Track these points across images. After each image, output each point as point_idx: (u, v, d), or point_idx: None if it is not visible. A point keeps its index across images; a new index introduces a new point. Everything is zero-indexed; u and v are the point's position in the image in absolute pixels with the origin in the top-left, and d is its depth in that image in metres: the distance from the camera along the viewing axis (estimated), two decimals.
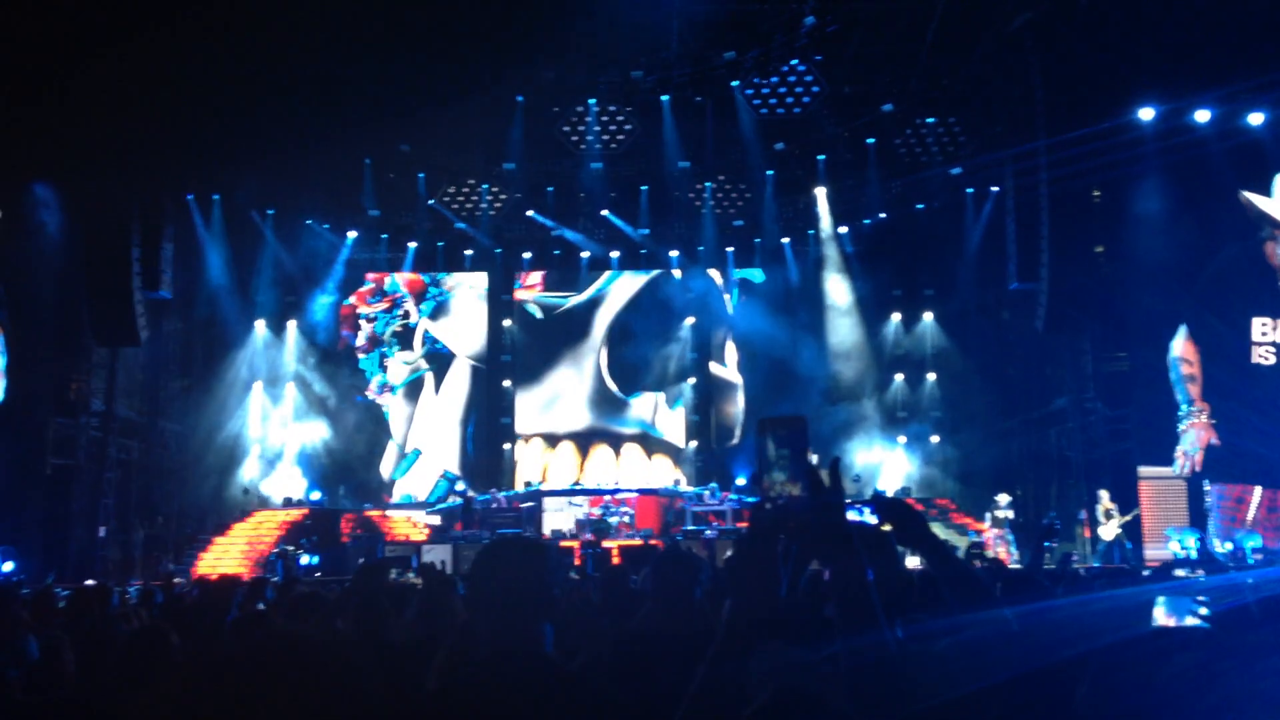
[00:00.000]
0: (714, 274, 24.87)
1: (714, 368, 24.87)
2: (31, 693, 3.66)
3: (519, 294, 25.28)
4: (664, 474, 23.95)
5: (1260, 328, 17.75)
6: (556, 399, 24.75)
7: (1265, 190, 17.75)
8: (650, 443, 24.57)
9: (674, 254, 24.40)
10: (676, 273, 24.71)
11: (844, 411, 23.15)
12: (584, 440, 24.59)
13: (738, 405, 24.69)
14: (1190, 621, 3.39)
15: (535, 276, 25.33)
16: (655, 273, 24.99)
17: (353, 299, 24.95)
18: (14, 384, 17.53)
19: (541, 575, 2.45)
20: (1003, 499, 18.92)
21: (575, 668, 2.82)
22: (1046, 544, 16.63)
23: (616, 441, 24.50)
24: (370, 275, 25.03)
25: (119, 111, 15.88)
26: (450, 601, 4.40)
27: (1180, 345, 18.33)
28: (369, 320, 25.05)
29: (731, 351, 24.88)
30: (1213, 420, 17.91)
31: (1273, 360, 17.60)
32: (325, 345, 24.31)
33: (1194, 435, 18.10)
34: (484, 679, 2.35)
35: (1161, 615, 3.50)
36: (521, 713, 2.22)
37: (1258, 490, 17.36)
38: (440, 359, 25.18)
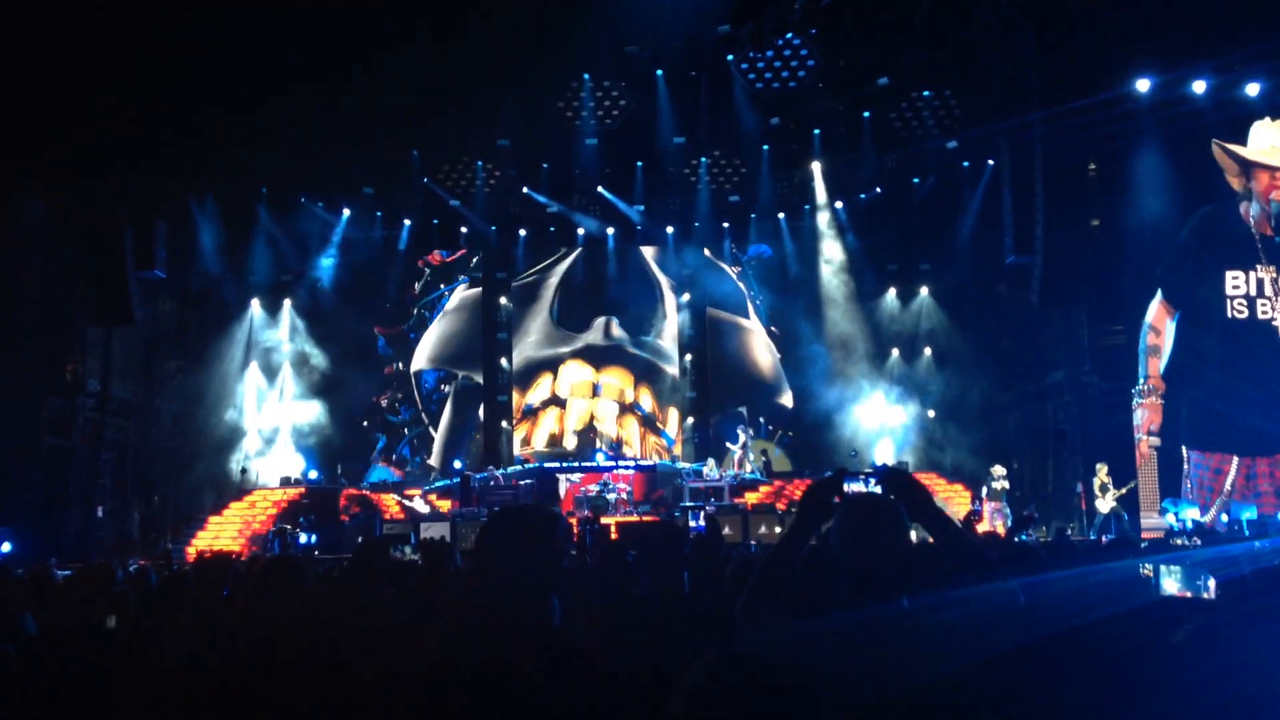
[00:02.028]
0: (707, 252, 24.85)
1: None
2: (29, 668, 3.67)
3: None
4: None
5: (1232, 281, 17.98)
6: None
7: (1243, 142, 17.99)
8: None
9: (669, 230, 24.32)
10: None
11: (840, 385, 23.15)
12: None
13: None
14: (1189, 592, 3.39)
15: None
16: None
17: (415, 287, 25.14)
18: (8, 365, 17.48)
19: (551, 547, 2.42)
20: (998, 470, 18.94)
21: (575, 636, 2.82)
22: (1023, 536, 16.69)
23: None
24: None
25: (112, 100, 15.86)
26: (446, 573, 4.39)
27: (1154, 310, 18.50)
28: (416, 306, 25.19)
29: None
30: (1162, 401, 18.09)
31: (1245, 314, 17.79)
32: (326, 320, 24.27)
33: (1141, 416, 18.28)
34: (492, 649, 2.34)
35: (1162, 586, 3.50)
36: (530, 683, 2.21)
37: (1235, 459, 17.50)
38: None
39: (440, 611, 3.77)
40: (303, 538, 18.12)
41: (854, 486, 2.86)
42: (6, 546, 15.42)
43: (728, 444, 22.66)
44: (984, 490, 18.94)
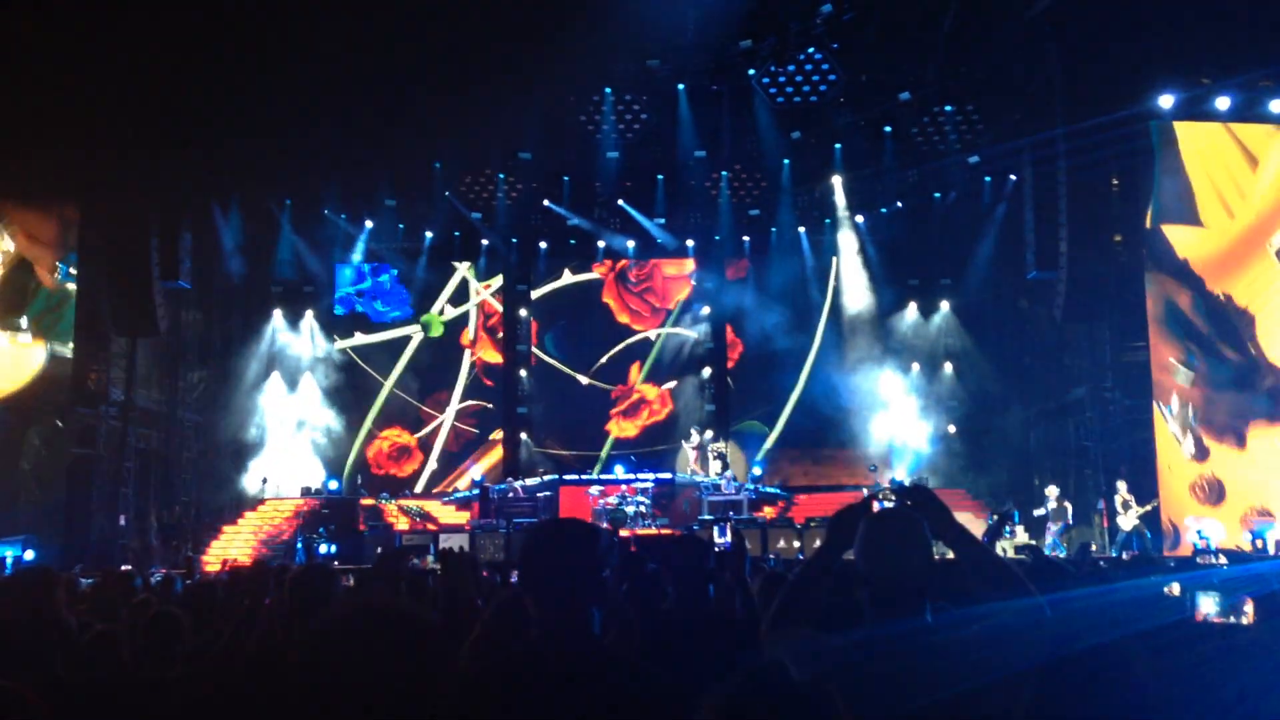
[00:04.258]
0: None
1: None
2: (73, 671, 3.72)
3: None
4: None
5: None
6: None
7: None
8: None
9: (690, 243, 24.35)
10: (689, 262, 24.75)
11: (859, 399, 23.10)
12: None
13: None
14: (1217, 610, 3.38)
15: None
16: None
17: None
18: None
19: (593, 559, 2.46)
20: (1053, 490, 18.33)
21: (610, 645, 2.85)
22: (1008, 531, 16.58)
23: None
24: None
25: (136, 114, 16.02)
26: (469, 583, 4.41)
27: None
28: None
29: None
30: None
31: None
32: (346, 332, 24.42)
33: None
34: (534, 658, 2.38)
35: (1190, 604, 3.49)
36: (571, 691, 2.24)
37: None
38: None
39: (464, 620, 3.81)
40: (323, 548, 18.19)
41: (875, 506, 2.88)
42: (30, 554, 15.55)
43: (682, 442, 22.74)
44: (1043, 512, 18.23)
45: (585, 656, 2.36)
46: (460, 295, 25.31)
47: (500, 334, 25.25)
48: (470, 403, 24.86)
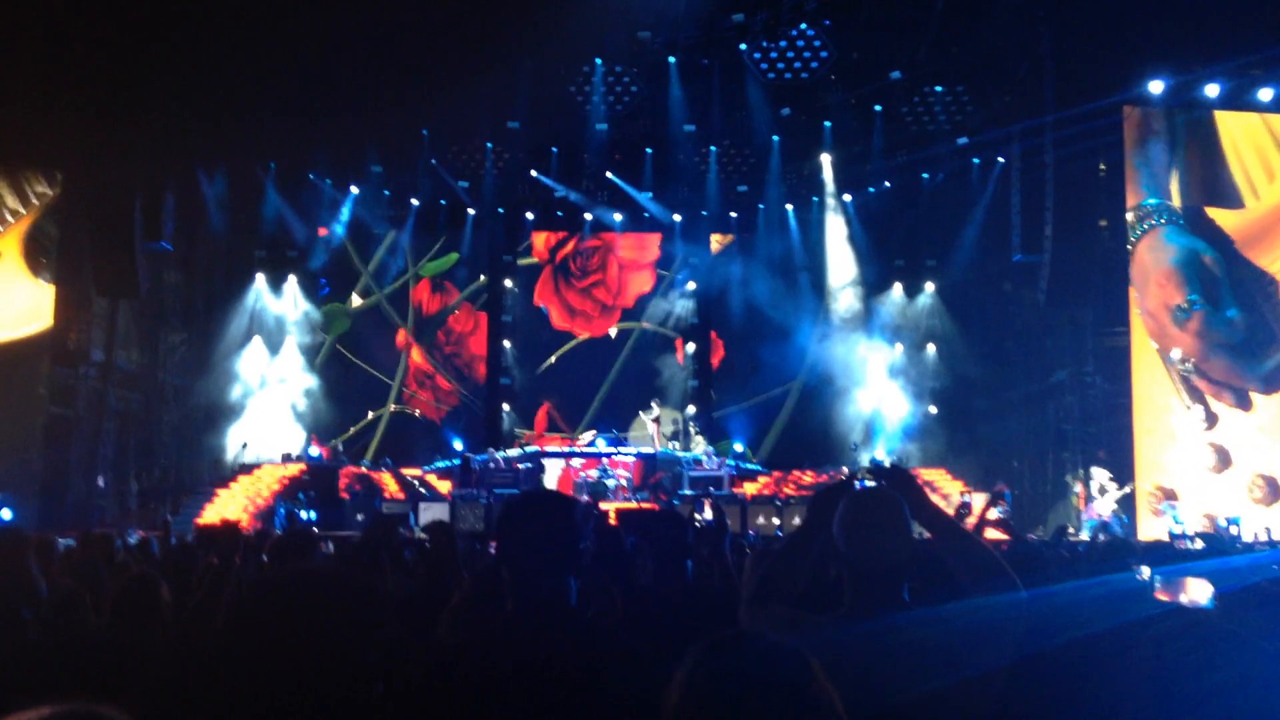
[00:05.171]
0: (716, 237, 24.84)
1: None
2: (45, 632, 3.71)
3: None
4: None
5: None
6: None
7: None
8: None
9: (677, 217, 24.29)
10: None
11: (841, 378, 23.18)
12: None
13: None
14: (1196, 602, 3.41)
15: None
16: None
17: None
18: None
19: (570, 530, 2.48)
20: (1102, 473, 17.83)
21: (590, 618, 2.86)
22: (1001, 510, 16.62)
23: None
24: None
25: (121, 79, 15.88)
26: (454, 555, 4.43)
27: None
28: None
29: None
30: None
31: None
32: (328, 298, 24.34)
33: None
34: (512, 629, 2.39)
35: (1166, 595, 3.52)
36: (549, 662, 2.25)
37: None
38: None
39: (448, 591, 3.82)
40: (303, 514, 18.17)
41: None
42: (7, 514, 15.48)
43: (640, 412, 22.83)
44: (1094, 492, 17.72)
45: (561, 627, 2.38)
46: (383, 272, 24.91)
47: (438, 337, 24.93)
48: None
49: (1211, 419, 18.01)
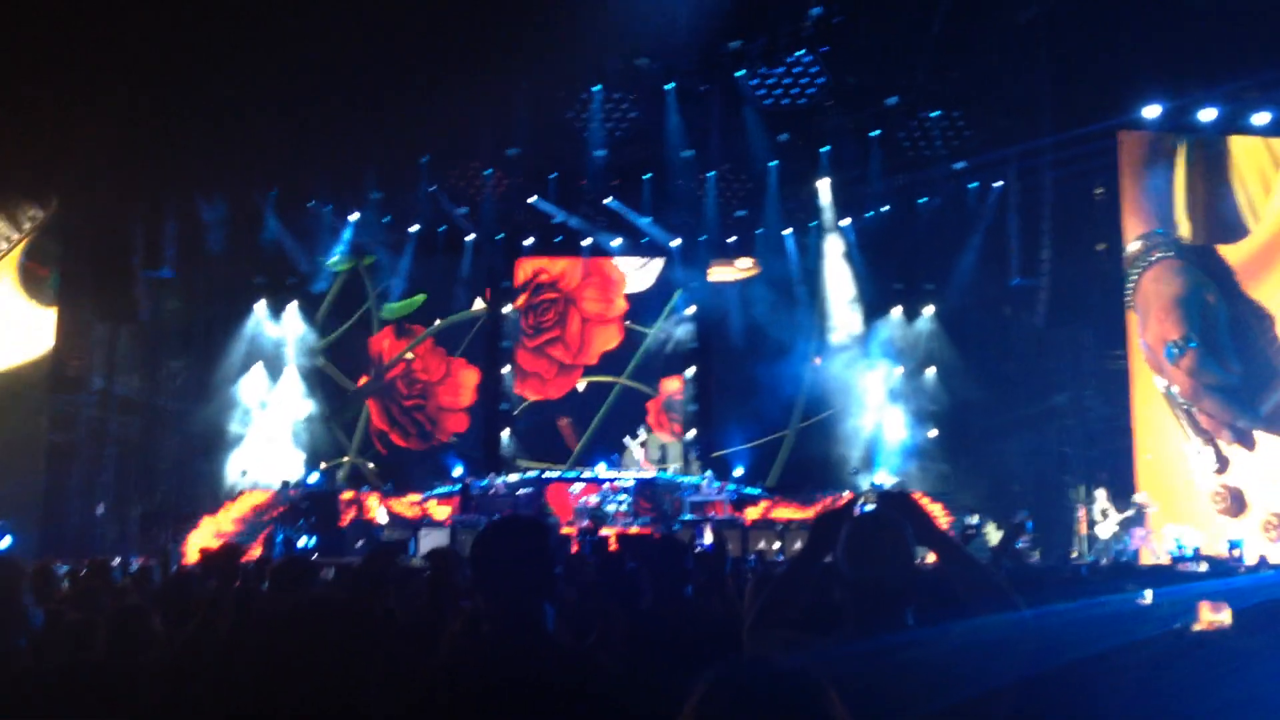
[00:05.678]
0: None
1: None
2: (39, 660, 3.69)
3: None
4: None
5: None
6: None
7: None
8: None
9: (675, 243, 24.33)
10: None
11: (841, 402, 23.16)
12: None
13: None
14: (1204, 623, 3.40)
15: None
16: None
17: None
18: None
19: (543, 554, 2.48)
20: (1141, 497, 17.70)
21: (585, 647, 2.85)
22: (1018, 544, 16.60)
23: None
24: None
25: (125, 99, 15.95)
26: (455, 582, 4.41)
27: None
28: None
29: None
30: None
31: None
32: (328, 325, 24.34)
33: None
34: (487, 656, 2.38)
35: (1170, 617, 3.51)
36: (523, 689, 2.25)
37: None
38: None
39: (448, 618, 3.81)
40: (301, 541, 18.11)
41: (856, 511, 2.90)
42: (7, 541, 15.44)
43: (626, 438, 22.75)
44: (1129, 514, 17.53)
45: (535, 652, 2.37)
46: (345, 306, 24.38)
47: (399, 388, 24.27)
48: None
49: (1223, 462, 17.91)
